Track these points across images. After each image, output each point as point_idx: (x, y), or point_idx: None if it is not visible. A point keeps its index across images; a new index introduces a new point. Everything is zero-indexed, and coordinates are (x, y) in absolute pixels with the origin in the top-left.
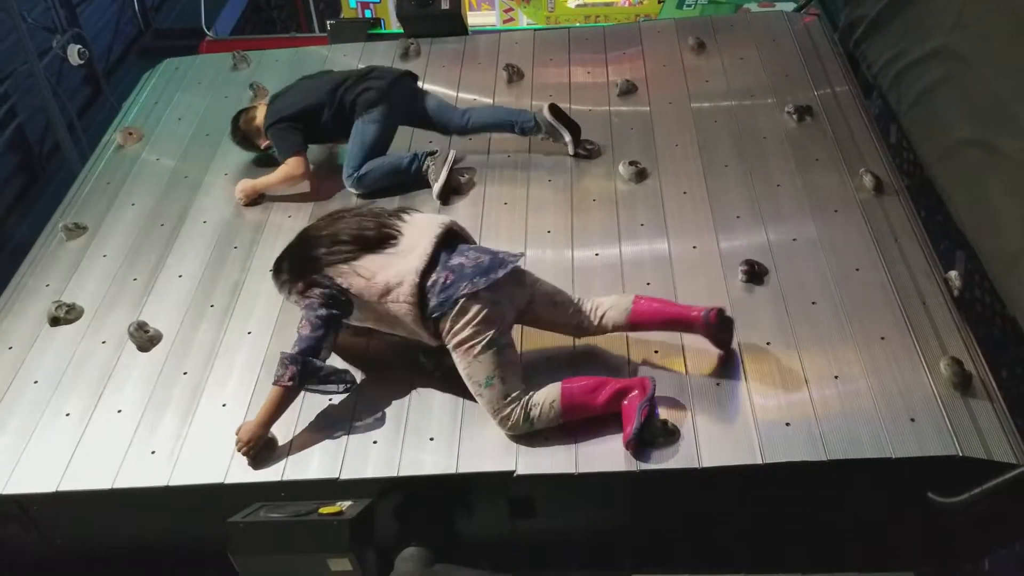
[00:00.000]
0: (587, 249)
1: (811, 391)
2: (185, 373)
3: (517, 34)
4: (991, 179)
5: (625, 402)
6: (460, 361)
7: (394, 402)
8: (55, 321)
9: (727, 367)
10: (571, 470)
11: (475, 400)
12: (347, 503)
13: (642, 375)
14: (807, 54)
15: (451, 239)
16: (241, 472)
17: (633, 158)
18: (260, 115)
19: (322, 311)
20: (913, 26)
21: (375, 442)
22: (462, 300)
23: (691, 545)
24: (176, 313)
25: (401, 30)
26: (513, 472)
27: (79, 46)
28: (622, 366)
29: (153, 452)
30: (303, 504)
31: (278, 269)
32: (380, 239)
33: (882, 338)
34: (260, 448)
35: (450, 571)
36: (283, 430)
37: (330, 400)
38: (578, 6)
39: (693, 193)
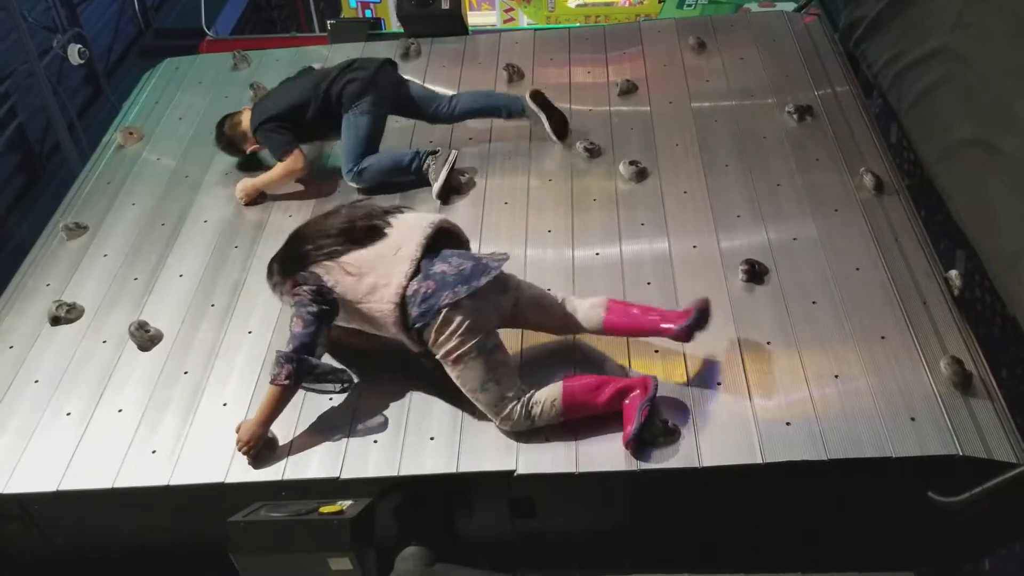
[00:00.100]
0: (587, 248)
1: (811, 390)
2: (186, 372)
3: (517, 34)
4: (991, 179)
5: (626, 401)
6: (451, 371)
7: (395, 402)
8: (56, 321)
9: (727, 367)
10: (571, 470)
11: None
12: (347, 502)
13: (643, 375)
14: (807, 54)
15: (443, 238)
16: (242, 471)
17: (633, 158)
18: (245, 119)
19: (312, 307)
20: (913, 26)
21: (375, 442)
22: (445, 310)
23: (691, 545)
24: (177, 313)
25: (401, 30)
26: (513, 472)
27: (79, 46)
28: (623, 365)
29: (154, 451)
30: (304, 503)
31: (270, 271)
32: (368, 232)
33: (882, 337)
34: (260, 447)
35: (450, 571)
36: (284, 430)
37: (330, 400)
38: (578, 6)
39: (693, 193)
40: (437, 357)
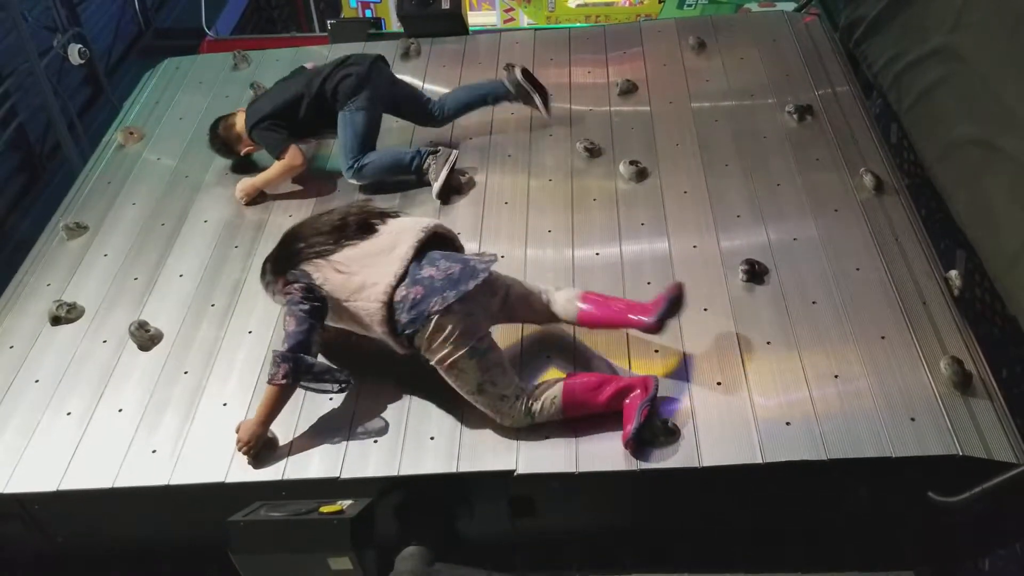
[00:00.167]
0: (588, 248)
1: (811, 390)
2: (186, 372)
3: (518, 34)
4: (991, 179)
5: (627, 401)
6: (446, 375)
7: (395, 401)
8: (56, 320)
9: (727, 366)
10: (571, 469)
11: None
12: (348, 502)
13: (643, 374)
14: (807, 54)
15: (437, 243)
16: (242, 471)
17: (633, 157)
18: (239, 121)
19: (304, 304)
20: (913, 26)
21: (375, 441)
22: (436, 318)
23: (691, 545)
24: (177, 312)
25: (401, 30)
26: (513, 471)
27: (80, 45)
28: (623, 364)
29: (154, 451)
30: (304, 503)
31: (263, 270)
32: (360, 228)
33: (882, 337)
34: (260, 447)
35: (450, 570)
36: (284, 429)
37: (330, 399)
38: (578, 6)
39: (693, 192)
40: (431, 363)
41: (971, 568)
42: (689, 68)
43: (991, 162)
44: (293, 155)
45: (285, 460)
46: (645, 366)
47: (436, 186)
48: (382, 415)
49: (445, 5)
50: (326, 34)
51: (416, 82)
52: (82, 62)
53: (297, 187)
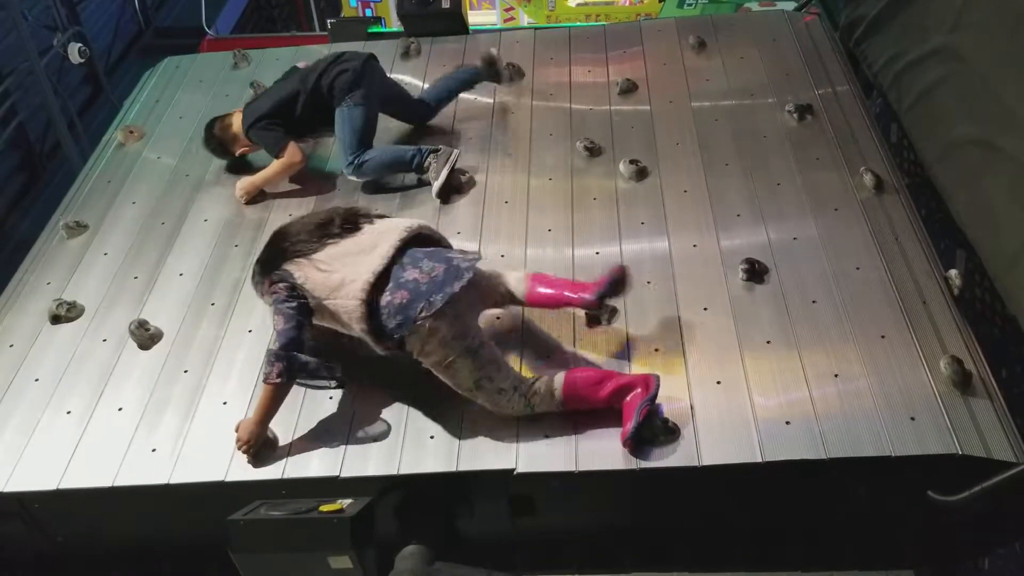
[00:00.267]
0: (588, 247)
1: (811, 390)
2: (186, 371)
3: (518, 33)
4: (991, 179)
5: (627, 399)
6: (441, 377)
7: (394, 401)
8: (56, 319)
9: (727, 366)
10: (571, 468)
11: None
12: (348, 501)
13: (644, 373)
14: (807, 53)
15: (420, 244)
16: (242, 470)
17: (634, 157)
18: (236, 121)
19: (291, 302)
20: (913, 26)
21: (375, 440)
22: (427, 323)
23: (691, 544)
24: (177, 311)
25: (401, 29)
26: (513, 470)
27: (80, 44)
28: (623, 363)
29: (154, 450)
30: (304, 502)
31: (253, 272)
32: (345, 224)
33: (882, 337)
34: (260, 446)
35: (450, 569)
36: (284, 428)
37: (330, 398)
38: (579, 5)
39: (693, 192)
40: (425, 365)
41: (971, 567)
42: (689, 67)
43: (991, 162)
44: (292, 152)
45: (285, 459)
46: (645, 364)
47: (436, 185)
48: (382, 415)
49: (445, 4)
50: (326, 33)
51: (416, 82)
52: (82, 61)
53: (296, 186)
